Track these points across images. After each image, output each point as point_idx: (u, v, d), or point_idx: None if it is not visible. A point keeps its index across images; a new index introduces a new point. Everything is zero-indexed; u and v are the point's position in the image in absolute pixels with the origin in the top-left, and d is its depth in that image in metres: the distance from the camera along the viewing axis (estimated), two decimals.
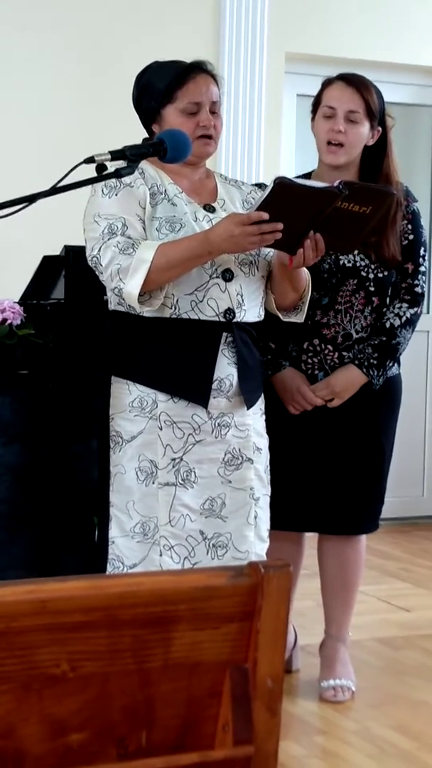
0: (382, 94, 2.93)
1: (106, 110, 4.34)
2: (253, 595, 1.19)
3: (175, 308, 2.48)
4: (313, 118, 2.96)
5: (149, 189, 2.52)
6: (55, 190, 2.09)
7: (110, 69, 4.40)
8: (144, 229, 2.48)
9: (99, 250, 2.46)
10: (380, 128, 2.92)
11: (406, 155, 5.37)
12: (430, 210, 5.44)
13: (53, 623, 1.10)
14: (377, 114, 2.89)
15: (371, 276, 2.91)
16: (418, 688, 3.16)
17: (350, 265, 2.91)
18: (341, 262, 2.91)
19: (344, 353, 2.94)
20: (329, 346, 2.94)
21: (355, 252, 2.90)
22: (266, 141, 4.79)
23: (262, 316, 2.63)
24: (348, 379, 2.93)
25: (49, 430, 3.11)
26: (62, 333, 3.11)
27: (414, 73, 5.23)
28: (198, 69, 2.57)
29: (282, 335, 2.94)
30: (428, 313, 5.37)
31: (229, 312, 2.51)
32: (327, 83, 2.93)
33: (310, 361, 2.96)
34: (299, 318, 2.70)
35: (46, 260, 3.30)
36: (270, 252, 2.59)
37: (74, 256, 2.94)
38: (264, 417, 2.66)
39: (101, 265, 2.46)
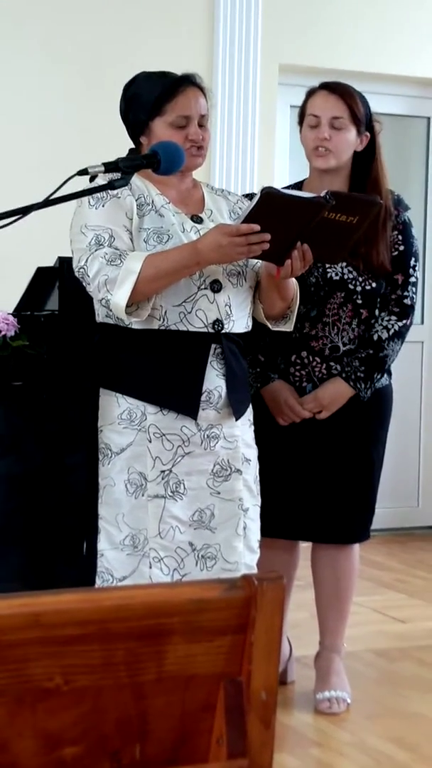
0: (367, 101, 2.95)
1: (100, 122, 4.34)
2: (246, 608, 1.19)
3: (164, 320, 2.48)
4: (300, 130, 2.98)
5: (136, 200, 2.52)
6: (48, 202, 2.09)
7: (104, 81, 4.40)
8: (131, 240, 2.49)
9: (86, 261, 2.46)
10: (368, 134, 2.93)
11: (400, 166, 5.39)
12: (424, 220, 5.46)
13: (47, 636, 1.10)
14: (363, 119, 2.91)
15: (359, 288, 2.92)
16: (414, 699, 3.15)
17: (338, 278, 2.92)
18: (329, 275, 2.92)
19: (332, 365, 2.95)
20: (317, 359, 2.95)
21: (343, 264, 2.90)
22: (260, 152, 4.81)
23: (250, 327, 2.63)
24: (335, 392, 2.94)
25: (43, 441, 3.10)
26: (56, 344, 3.11)
27: (407, 84, 5.25)
28: (187, 82, 2.57)
29: (271, 348, 2.94)
30: (422, 323, 5.38)
31: (218, 323, 2.51)
32: (310, 93, 2.95)
33: (298, 373, 2.97)
34: (288, 327, 2.70)
35: (40, 271, 3.30)
36: (258, 262, 2.59)
37: (68, 267, 2.94)
38: (252, 428, 2.66)
39: (88, 276, 2.46)
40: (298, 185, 3.03)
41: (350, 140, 2.90)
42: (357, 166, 2.96)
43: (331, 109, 2.88)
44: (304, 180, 3.05)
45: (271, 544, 2.91)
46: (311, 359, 2.95)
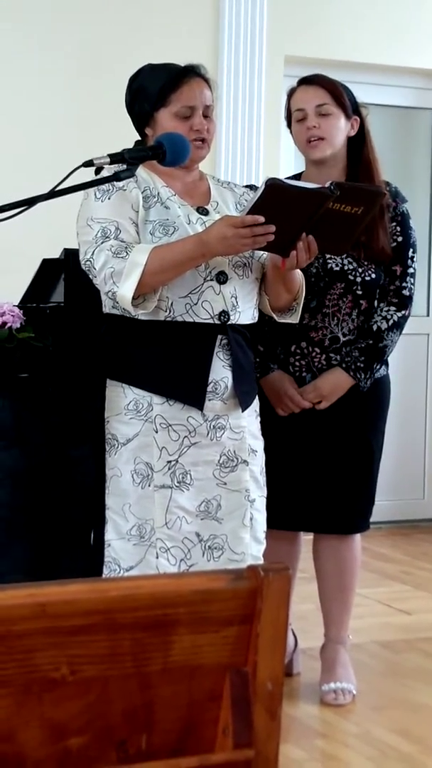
0: (348, 87, 2.97)
1: (106, 114, 4.33)
2: (252, 599, 1.19)
3: (170, 311, 2.48)
4: (290, 131, 3.00)
5: (142, 192, 2.52)
6: (54, 194, 2.09)
7: (110, 73, 4.40)
8: (137, 232, 2.49)
9: (92, 253, 2.46)
10: (357, 118, 2.94)
11: (405, 157, 5.38)
12: (430, 211, 5.44)
13: (53, 627, 1.10)
14: (348, 104, 2.93)
15: (358, 279, 2.92)
16: (419, 691, 3.15)
17: (338, 268, 2.92)
18: (329, 265, 2.92)
19: (332, 356, 2.96)
20: (317, 349, 2.95)
21: (343, 255, 2.90)
22: (266, 144, 4.80)
23: (257, 318, 2.63)
24: (335, 383, 2.94)
25: (48, 433, 3.11)
26: (62, 336, 3.11)
27: (413, 75, 5.24)
28: (191, 73, 2.57)
29: (270, 338, 2.95)
30: (428, 315, 5.37)
31: (224, 314, 2.51)
32: (291, 92, 3.00)
33: (297, 363, 2.97)
34: (294, 319, 2.70)
35: (46, 263, 3.29)
36: (264, 254, 2.59)
37: (74, 259, 2.94)
38: (259, 419, 2.67)
39: (95, 269, 2.46)
40: (297, 177, 3.03)
41: (340, 125, 2.91)
42: (351, 155, 2.97)
43: (312, 98, 2.91)
44: (301, 172, 3.06)
45: (272, 536, 2.90)
46: (311, 350, 2.95)
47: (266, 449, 2.74)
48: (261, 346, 2.95)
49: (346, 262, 2.92)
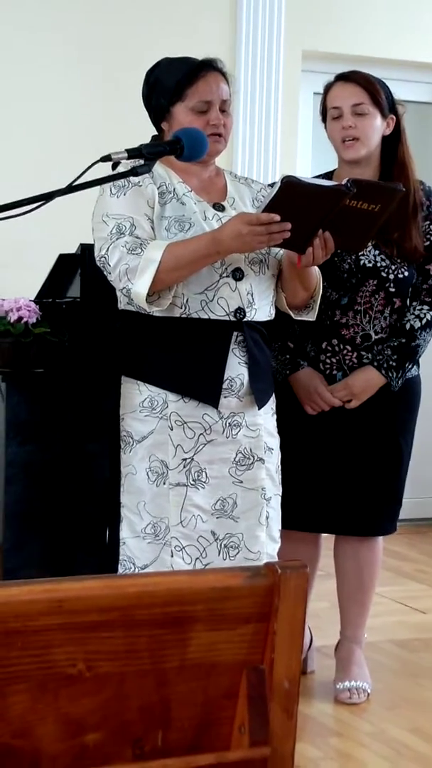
0: (386, 84, 2.93)
1: (124, 108, 4.33)
2: (269, 596, 1.18)
3: (185, 308, 2.47)
4: (325, 126, 2.96)
5: (158, 188, 2.51)
6: (71, 189, 2.08)
7: (127, 67, 4.39)
8: (153, 228, 2.47)
9: (107, 250, 2.45)
10: (393, 116, 2.91)
11: (422, 153, 5.33)
12: None
13: (70, 623, 1.10)
14: (385, 103, 2.88)
15: (391, 276, 2.89)
16: None
17: (371, 265, 2.89)
18: (361, 262, 2.89)
19: (363, 353, 2.92)
20: (348, 347, 2.92)
21: (376, 252, 2.88)
22: (283, 139, 4.78)
23: (273, 315, 2.62)
24: (366, 381, 2.91)
25: (64, 429, 3.11)
26: (78, 331, 3.11)
27: (430, 71, 5.21)
28: (208, 67, 2.55)
29: (300, 335, 2.92)
30: None
31: (240, 311, 2.50)
32: (328, 87, 2.94)
33: (328, 361, 2.94)
34: (311, 316, 2.68)
35: (62, 258, 3.30)
36: (280, 251, 2.57)
37: (90, 254, 2.93)
38: (275, 416, 2.65)
39: (109, 266, 2.45)
40: (329, 175, 3.00)
41: (376, 125, 2.87)
42: (385, 154, 2.93)
43: (349, 96, 2.86)
44: (333, 171, 3.02)
45: (295, 537, 2.90)
46: (342, 347, 2.92)
47: (292, 449, 2.72)
48: (291, 343, 2.92)
49: (378, 258, 2.89)
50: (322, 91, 3.01)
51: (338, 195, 2.40)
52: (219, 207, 2.57)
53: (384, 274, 2.89)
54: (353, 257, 2.87)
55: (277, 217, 2.35)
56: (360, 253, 2.87)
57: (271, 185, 2.79)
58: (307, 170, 4.81)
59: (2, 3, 4.37)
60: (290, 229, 2.37)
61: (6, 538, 3.11)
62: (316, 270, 2.60)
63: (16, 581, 1.11)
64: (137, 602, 1.13)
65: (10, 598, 1.08)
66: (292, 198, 2.36)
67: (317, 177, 2.97)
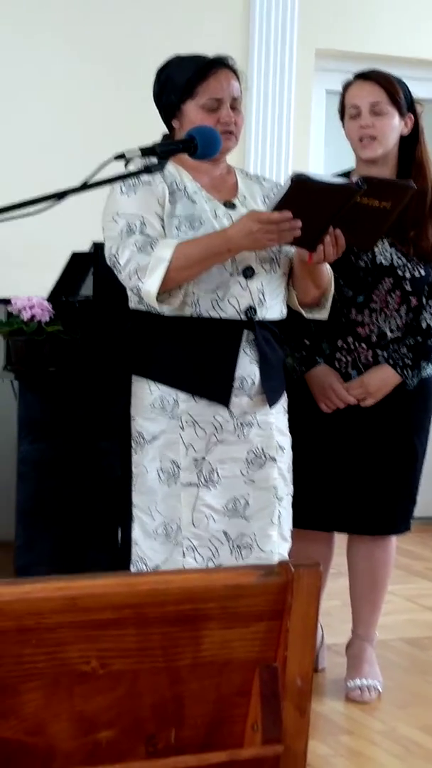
0: (405, 83, 2.92)
1: (136, 106, 4.33)
2: (282, 594, 1.19)
3: (196, 306, 2.46)
4: (343, 125, 2.95)
5: (168, 186, 2.50)
6: (84, 187, 2.08)
7: (139, 65, 4.39)
8: (163, 227, 2.47)
9: (117, 248, 2.45)
10: (412, 116, 2.90)
11: None
12: None
13: (83, 620, 1.11)
14: (403, 102, 2.87)
15: (408, 275, 2.88)
16: None
17: (387, 263, 2.88)
18: (378, 260, 2.88)
19: (378, 352, 2.92)
20: (363, 345, 2.91)
21: (392, 250, 2.88)
22: (295, 137, 4.77)
23: (285, 314, 2.60)
24: (382, 379, 2.90)
25: (76, 427, 3.12)
26: (90, 330, 3.12)
27: None
28: (219, 64, 2.54)
29: (316, 332, 2.92)
30: None
31: (251, 310, 2.49)
32: (346, 86, 2.93)
33: (344, 359, 2.93)
34: (322, 315, 2.68)
35: (75, 257, 3.30)
36: (291, 249, 2.57)
37: (103, 253, 2.95)
38: (287, 415, 2.64)
39: (119, 264, 2.45)
40: (346, 175, 2.98)
41: (394, 124, 2.86)
42: (403, 153, 2.92)
43: (368, 95, 2.85)
44: (350, 170, 3.01)
45: (308, 536, 2.89)
46: (357, 345, 2.91)
47: (305, 447, 2.70)
48: (307, 340, 2.92)
49: (395, 257, 2.88)
50: (334, 89, 3.00)
51: (349, 192, 2.40)
52: (230, 205, 2.56)
53: (400, 273, 2.88)
54: (369, 255, 2.87)
55: (289, 215, 2.35)
56: (376, 252, 2.86)
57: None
58: (319, 168, 4.80)
59: (11, 3, 4.37)
60: (301, 227, 2.37)
61: (18, 535, 3.12)
62: (327, 268, 2.59)
63: (29, 578, 1.11)
64: (150, 600, 1.13)
65: (24, 596, 1.08)
66: (302, 195, 2.35)
67: (334, 176, 2.96)
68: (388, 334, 2.91)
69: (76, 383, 3.13)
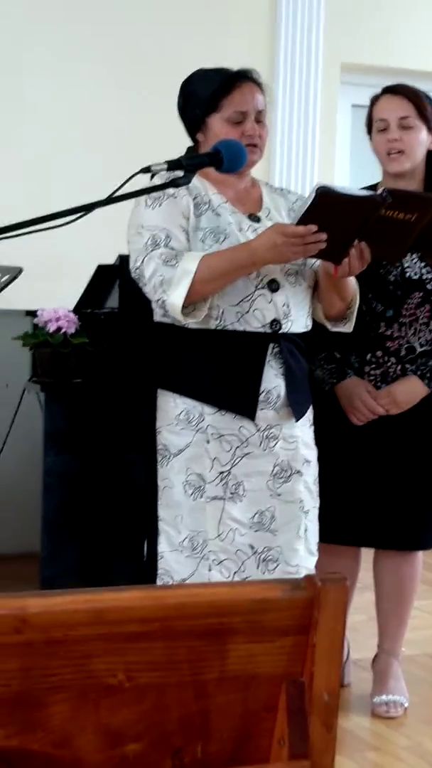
0: None
1: (163, 121, 4.35)
2: (309, 609, 1.18)
3: (221, 320, 2.46)
4: (370, 138, 2.95)
5: (193, 199, 2.51)
6: (111, 200, 2.09)
7: (165, 78, 4.41)
8: (188, 240, 2.47)
9: (142, 261, 2.45)
10: None
11: None
12: None
13: (110, 633, 1.10)
14: (431, 116, 2.87)
15: None
16: None
17: (416, 277, 2.88)
18: (407, 274, 2.88)
19: (407, 366, 2.91)
20: (392, 359, 2.90)
21: (422, 264, 2.87)
22: (321, 151, 4.78)
23: (310, 327, 2.60)
24: (410, 390, 2.89)
25: (101, 438, 3.12)
26: (116, 342, 3.13)
27: None
28: (243, 77, 2.54)
29: (345, 345, 2.91)
30: None
31: (276, 323, 2.49)
32: (374, 99, 2.94)
33: (372, 373, 2.92)
34: (347, 328, 2.67)
35: (101, 269, 3.32)
36: (316, 261, 2.56)
37: (128, 265, 2.96)
38: (313, 428, 2.63)
39: (144, 277, 2.45)
40: (373, 188, 2.98)
41: (421, 139, 2.86)
42: (430, 167, 2.92)
43: (396, 109, 2.86)
44: (377, 184, 3.01)
45: (334, 550, 2.88)
46: (387, 359, 2.91)
47: (332, 460, 2.69)
48: (338, 353, 2.92)
49: (424, 271, 2.88)
50: (359, 103, 3.00)
51: (374, 204, 2.39)
52: (254, 218, 2.56)
53: (430, 287, 2.87)
54: (399, 269, 2.86)
55: (314, 229, 2.34)
56: (406, 266, 2.86)
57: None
58: (345, 182, 4.80)
59: (36, 16, 4.41)
60: (326, 240, 2.36)
61: (43, 546, 3.13)
62: (352, 281, 2.59)
63: (57, 591, 1.12)
64: (177, 613, 1.13)
65: (51, 608, 1.08)
66: (327, 208, 2.35)
67: (363, 189, 2.96)
68: (417, 348, 2.90)
69: (101, 395, 3.14)
